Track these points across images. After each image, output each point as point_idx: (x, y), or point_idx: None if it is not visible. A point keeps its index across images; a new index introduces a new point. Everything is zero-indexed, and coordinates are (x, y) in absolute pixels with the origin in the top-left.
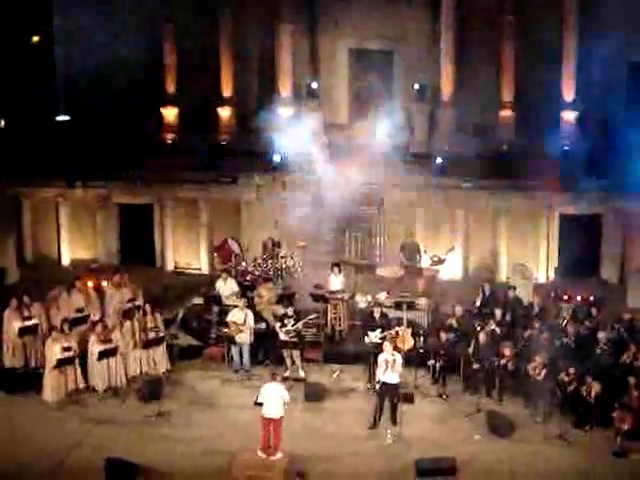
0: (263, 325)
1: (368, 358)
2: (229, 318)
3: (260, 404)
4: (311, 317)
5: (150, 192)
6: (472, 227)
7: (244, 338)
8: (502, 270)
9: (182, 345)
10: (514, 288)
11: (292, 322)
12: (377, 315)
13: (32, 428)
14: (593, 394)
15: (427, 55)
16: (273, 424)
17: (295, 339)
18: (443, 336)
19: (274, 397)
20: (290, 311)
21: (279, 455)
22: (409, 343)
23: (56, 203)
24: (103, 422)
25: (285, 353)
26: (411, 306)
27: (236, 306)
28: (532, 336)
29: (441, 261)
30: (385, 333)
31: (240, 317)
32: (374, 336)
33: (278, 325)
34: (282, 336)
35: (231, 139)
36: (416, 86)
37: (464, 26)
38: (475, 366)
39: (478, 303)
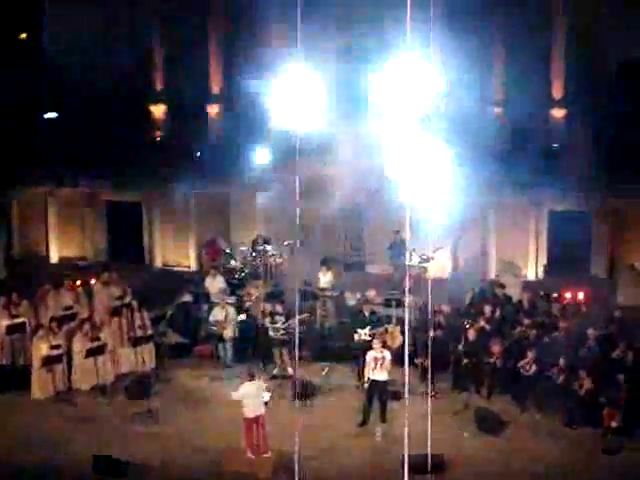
0: (244, 317)
1: (357, 355)
2: (211, 318)
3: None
4: (302, 316)
5: (138, 190)
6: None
7: (227, 334)
8: (491, 268)
9: (171, 343)
10: (502, 286)
11: (282, 319)
12: (367, 313)
13: (20, 426)
14: (584, 389)
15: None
16: (256, 422)
17: (285, 336)
18: (432, 334)
19: (254, 395)
20: (280, 308)
21: (268, 455)
22: (398, 341)
23: (44, 201)
24: (91, 420)
25: (274, 350)
26: (400, 304)
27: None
28: (521, 333)
29: (429, 259)
30: (374, 330)
31: (222, 315)
32: (364, 333)
33: (268, 321)
34: (271, 333)
35: (219, 136)
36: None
37: (455, 24)
38: (464, 363)
39: (468, 301)
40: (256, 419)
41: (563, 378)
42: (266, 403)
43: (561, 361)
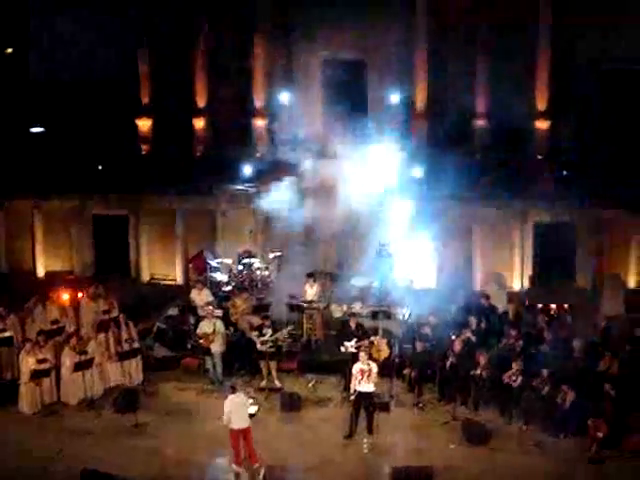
0: (231, 331)
1: (344, 368)
2: (198, 331)
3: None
4: (290, 328)
5: (125, 203)
6: (446, 236)
7: (216, 348)
8: (476, 279)
9: (158, 356)
10: (487, 297)
11: (270, 332)
12: (353, 325)
13: (8, 440)
14: (568, 401)
15: (401, 66)
16: (243, 435)
17: (272, 349)
18: (418, 345)
19: (239, 408)
20: (268, 321)
21: (256, 465)
22: (385, 353)
23: (31, 214)
24: (79, 434)
25: (262, 363)
26: (387, 315)
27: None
28: (507, 344)
29: (415, 270)
30: (360, 343)
31: (209, 327)
32: (350, 345)
33: (255, 335)
34: (259, 346)
35: (206, 150)
36: (391, 99)
37: (438, 37)
38: (450, 374)
39: (453, 311)
40: (242, 431)
41: (548, 389)
42: (252, 415)
43: (545, 372)
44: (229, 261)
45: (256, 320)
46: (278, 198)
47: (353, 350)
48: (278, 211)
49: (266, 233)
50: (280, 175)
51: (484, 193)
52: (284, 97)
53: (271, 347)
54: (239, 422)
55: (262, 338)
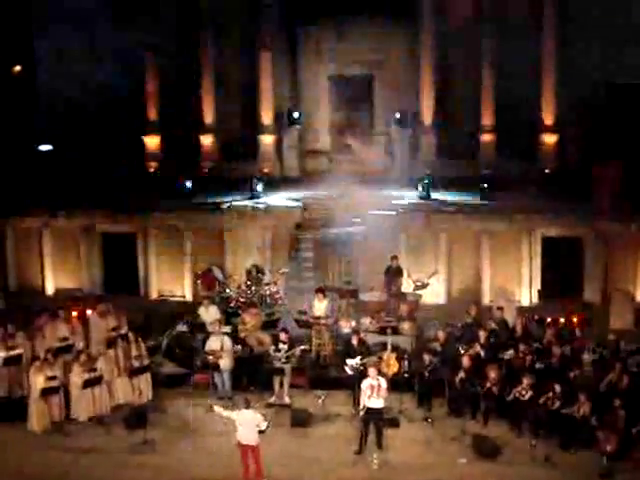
0: (239, 348)
1: (353, 383)
2: (206, 348)
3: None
4: (303, 347)
5: (133, 221)
6: (455, 250)
7: (224, 364)
8: (486, 293)
9: (167, 373)
10: (501, 309)
11: (285, 348)
12: (355, 342)
13: (17, 458)
14: (581, 413)
15: (408, 80)
16: (251, 452)
17: (287, 365)
18: (427, 359)
19: (248, 423)
20: (284, 336)
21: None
22: (394, 368)
23: (40, 232)
24: (89, 451)
25: (275, 379)
26: (395, 331)
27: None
28: (516, 359)
29: (424, 285)
30: (365, 360)
31: (217, 344)
32: (354, 363)
33: (272, 349)
34: (276, 362)
35: (213, 166)
36: (397, 115)
37: (444, 51)
38: (460, 388)
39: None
40: (250, 448)
41: (559, 403)
42: (263, 432)
43: (558, 387)
44: (237, 277)
45: (264, 336)
46: (286, 213)
47: (357, 367)
48: (286, 226)
49: (274, 248)
50: (287, 190)
51: (493, 207)
52: (291, 113)
53: (284, 362)
54: (245, 436)
55: (278, 354)
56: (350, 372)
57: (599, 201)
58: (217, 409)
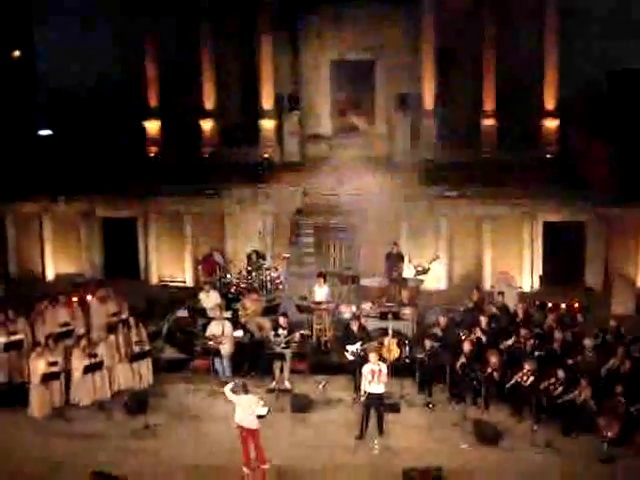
0: (241, 333)
1: (354, 368)
2: (207, 333)
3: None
4: (302, 332)
5: (133, 206)
6: (456, 236)
7: (225, 349)
8: (487, 278)
9: (168, 358)
10: (502, 294)
11: (285, 333)
12: (354, 328)
13: (18, 443)
14: (582, 397)
15: (409, 64)
16: (251, 437)
17: (287, 349)
18: (428, 344)
19: (247, 407)
20: (283, 322)
21: (266, 466)
22: (395, 353)
23: (40, 218)
24: (89, 436)
25: (275, 364)
26: (396, 316)
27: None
28: (517, 344)
29: (425, 270)
30: (365, 345)
31: (218, 329)
32: (354, 349)
33: (272, 334)
34: (276, 347)
35: (214, 151)
36: (399, 99)
37: (445, 35)
38: (461, 374)
39: (465, 309)
40: (250, 432)
41: (561, 389)
42: (263, 416)
43: (559, 372)
44: (238, 262)
45: (265, 321)
46: (286, 198)
47: (355, 354)
48: (287, 211)
49: (275, 234)
50: (288, 175)
51: (494, 192)
52: (292, 98)
53: (284, 347)
54: (243, 419)
55: (278, 339)
56: (351, 357)
57: (591, 182)
58: (228, 393)
